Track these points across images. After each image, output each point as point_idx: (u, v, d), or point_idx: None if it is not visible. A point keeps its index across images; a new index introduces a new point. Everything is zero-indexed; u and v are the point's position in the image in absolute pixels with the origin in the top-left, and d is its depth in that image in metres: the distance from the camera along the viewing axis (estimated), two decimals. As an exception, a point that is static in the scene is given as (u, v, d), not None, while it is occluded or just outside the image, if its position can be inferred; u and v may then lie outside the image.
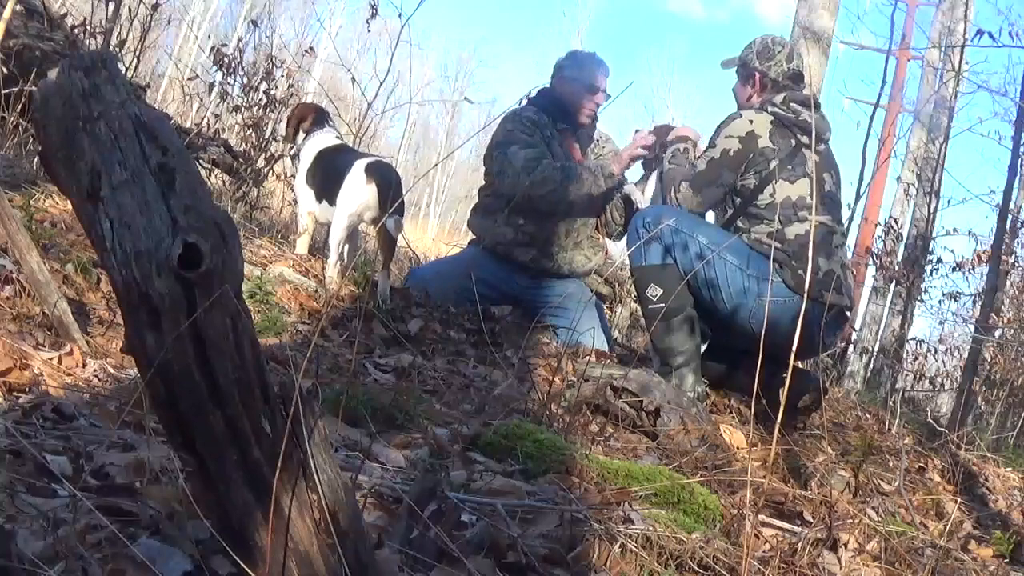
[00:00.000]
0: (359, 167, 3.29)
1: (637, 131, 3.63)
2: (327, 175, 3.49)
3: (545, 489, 1.70)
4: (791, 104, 3.11)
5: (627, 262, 3.51)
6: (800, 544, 1.71)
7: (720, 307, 3.04)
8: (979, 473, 3.05)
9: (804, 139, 2.97)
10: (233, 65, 5.79)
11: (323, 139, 3.64)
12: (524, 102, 3.67)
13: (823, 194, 3.07)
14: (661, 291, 3.01)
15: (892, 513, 2.34)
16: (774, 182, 3.01)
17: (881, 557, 1.81)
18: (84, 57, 0.94)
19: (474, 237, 3.92)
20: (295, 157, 3.79)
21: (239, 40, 6.32)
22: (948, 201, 8.41)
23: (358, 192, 3.25)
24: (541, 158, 3.52)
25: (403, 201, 3.34)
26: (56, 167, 0.95)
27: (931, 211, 8.27)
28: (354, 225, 3.36)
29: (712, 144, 3.13)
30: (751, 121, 3.07)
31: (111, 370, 1.92)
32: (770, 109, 3.10)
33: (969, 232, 7.84)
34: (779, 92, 3.15)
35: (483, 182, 3.87)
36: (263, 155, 5.65)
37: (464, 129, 35.74)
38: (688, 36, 70.04)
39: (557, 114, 3.73)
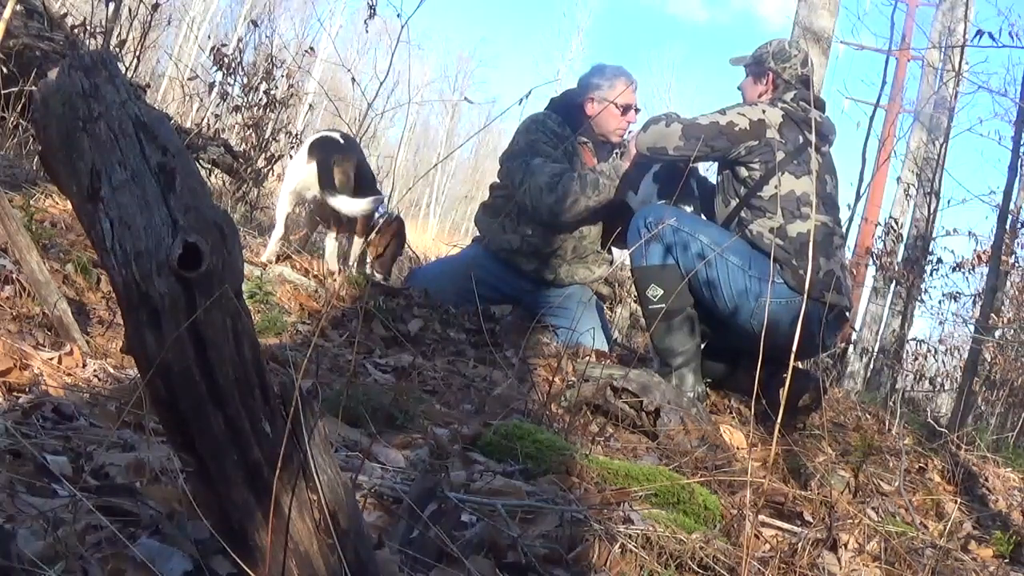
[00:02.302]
0: (306, 143, 3.30)
1: (630, 132, 3.64)
2: None
3: (545, 489, 1.70)
4: (800, 103, 3.14)
5: (627, 262, 3.51)
6: (800, 544, 1.71)
7: (721, 307, 3.04)
8: (979, 473, 3.05)
9: (811, 137, 2.98)
10: (233, 65, 5.79)
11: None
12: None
13: (824, 195, 3.09)
14: (661, 291, 3.01)
15: (892, 513, 2.34)
16: (779, 174, 3.02)
17: (881, 557, 1.81)
18: (84, 57, 0.94)
19: (478, 235, 3.90)
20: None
21: (239, 40, 6.33)
22: (948, 201, 8.44)
23: (298, 170, 3.26)
24: (563, 173, 3.50)
25: (345, 174, 3.21)
26: (56, 167, 0.95)
27: (931, 211, 8.28)
28: (296, 202, 3.38)
29: (721, 111, 3.12)
30: (764, 111, 3.09)
31: (111, 370, 1.92)
32: (780, 105, 3.12)
33: (969, 232, 7.87)
34: (789, 92, 3.19)
35: (496, 180, 3.83)
36: (263, 155, 5.65)
37: (464, 129, 35.77)
38: (687, 39, 70.08)
39: (578, 126, 3.68)
